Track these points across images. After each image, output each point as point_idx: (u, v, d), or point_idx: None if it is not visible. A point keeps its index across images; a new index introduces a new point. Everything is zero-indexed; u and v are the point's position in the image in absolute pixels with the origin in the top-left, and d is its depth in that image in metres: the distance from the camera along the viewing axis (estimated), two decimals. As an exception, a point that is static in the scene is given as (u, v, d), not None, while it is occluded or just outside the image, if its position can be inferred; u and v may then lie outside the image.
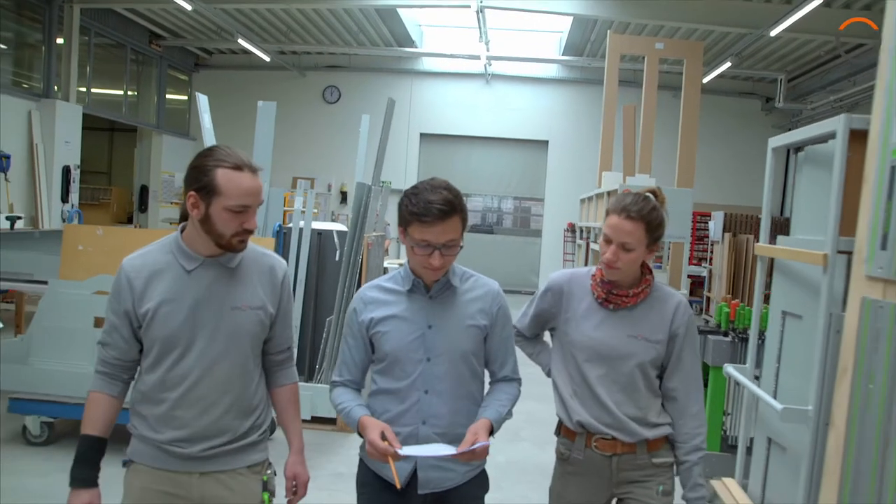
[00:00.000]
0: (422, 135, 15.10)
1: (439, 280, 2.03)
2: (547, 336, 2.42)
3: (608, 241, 2.10)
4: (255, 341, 2.00)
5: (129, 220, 14.55)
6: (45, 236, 7.24)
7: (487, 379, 2.18)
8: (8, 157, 9.69)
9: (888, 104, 1.80)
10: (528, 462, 4.83)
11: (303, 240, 5.45)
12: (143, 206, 14.57)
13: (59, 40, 11.16)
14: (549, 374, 2.34)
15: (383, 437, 1.89)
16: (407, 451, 1.90)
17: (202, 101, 5.46)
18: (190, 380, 1.90)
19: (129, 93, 13.64)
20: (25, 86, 10.89)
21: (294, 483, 2.09)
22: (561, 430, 2.27)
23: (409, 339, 2.02)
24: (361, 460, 2.11)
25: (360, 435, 1.97)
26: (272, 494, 2.04)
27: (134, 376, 2.00)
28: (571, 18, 11.40)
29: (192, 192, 1.85)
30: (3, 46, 10.43)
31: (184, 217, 1.95)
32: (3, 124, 9.97)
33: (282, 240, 5.50)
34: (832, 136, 2.38)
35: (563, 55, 13.81)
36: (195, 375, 1.90)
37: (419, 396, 2.01)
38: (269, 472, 2.05)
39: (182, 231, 1.95)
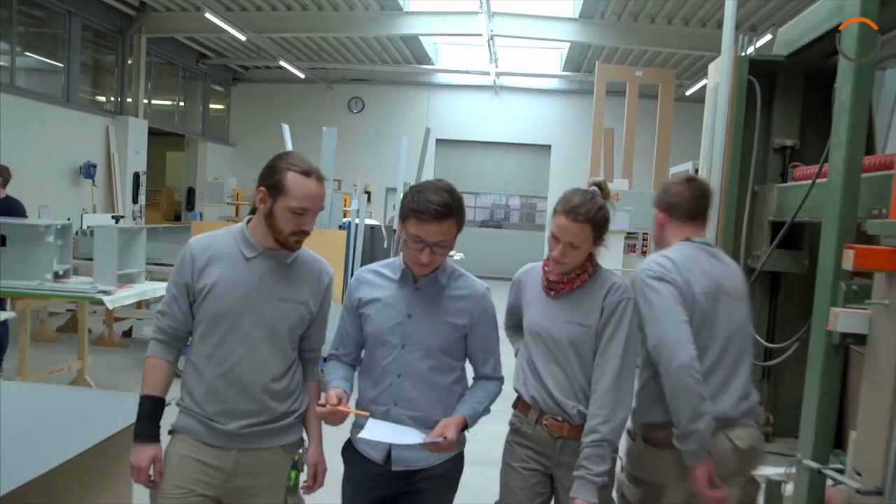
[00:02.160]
0: (437, 140, 16.85)
1: (427, 275, 2.13)
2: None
3: (557, 240, 2.17)
4: (294, 332, 2.13)
5: (178, 218, 16.36)
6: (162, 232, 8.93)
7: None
8: (94, 166, 11.51)
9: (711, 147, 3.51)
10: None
11: (359, 232, 7.23)
12: (189, 206, 16.39)
13: (128, 60, 12.98)
14: (516, 355, 2.45)
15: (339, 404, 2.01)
16: (375, 432, 2.05)
17: (285, 129, 7.20)
18: (233, 358, 2.03)
19: (180, 104, 15.49)
20: (103, 104, 12.72)
21: (314, 471, 2.22)
22: (519, 403, 2.34)
23: (389, 324, 2.14)
24: (349, 437, 2.25)
25: None
26: (300, 472, 2.18)
27: (184, 345, 2.16)
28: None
29: (262, 188, 2.01)
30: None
31: (253, 210, 2.10)
32: (87, 138, 11.81)
33: (348, 231, 7.29)
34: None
35: (563, 70, 15.54)
36: (238, 355, 2.03)
37: (392, 380, 2.14)
38: (300, 451, 2.17)
39: (248, 223, 2.10)
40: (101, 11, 12.02)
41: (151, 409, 2.05)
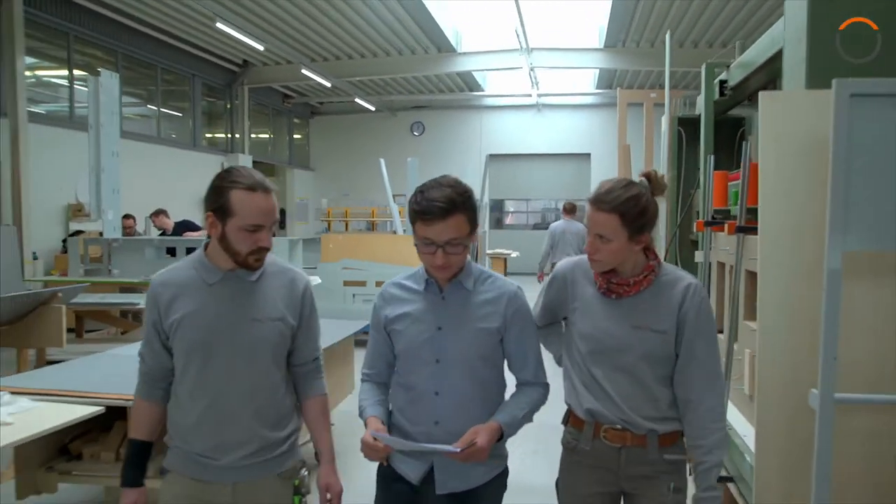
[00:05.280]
0: (490, 155, 19.28)
1: (452, 281, 1.99)
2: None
3: (589, 232, 1.97)
4: (276, 352, 2.01)
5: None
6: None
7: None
8: (217, 196, 14.33)
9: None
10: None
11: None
12: (281, 224, 19.21)
13: (234, 106, 15.84)
14: (559, 363, 2.21)
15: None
16: (399, 444, 1.93)
17: (382, 164, 9.73)
18: (215, 389, 1.94)
19: (269, 136, 18.35)
20: (217, 143, 15.59)
21: (328, 493, 2.08)
22: (569, 418, 2.10)
23: (419, 339, 1.98)
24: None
25: None
26: (304, 496, 2.04)
27: (171, 384, 2.03)
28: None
29: (209, 213, 1.90)
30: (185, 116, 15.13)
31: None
32: (204, 173, 14.60)
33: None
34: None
35: (596, 88, 17.83)
36: (219, 385, 1.93)
37: (430, 398, 1.98)
38: (300, 474, 2.05)
39: (206, 248, 2.00)
40: (214, 70, 14.92)
41: (137, 452, 2.00)
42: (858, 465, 2.28)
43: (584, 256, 2.06)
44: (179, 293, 1.97)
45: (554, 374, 2.12)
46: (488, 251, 13.80)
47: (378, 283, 8.59)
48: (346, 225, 19.31)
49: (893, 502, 2.29)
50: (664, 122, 5.81)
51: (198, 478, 1.97)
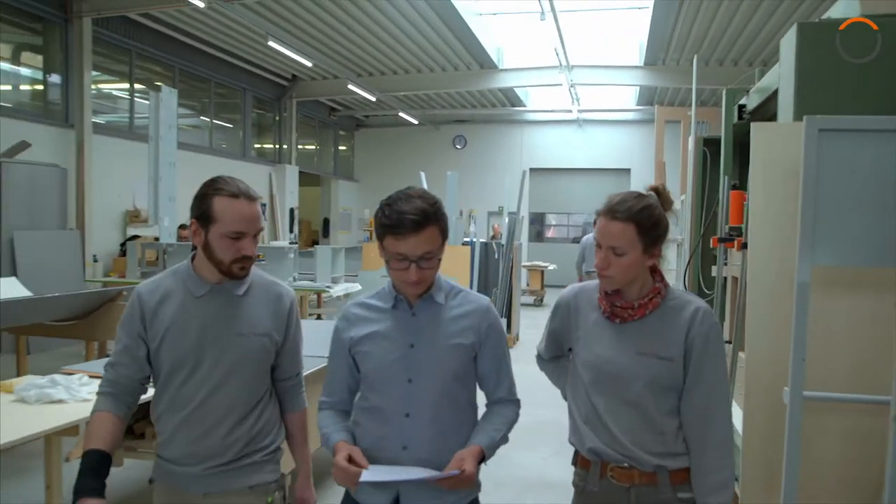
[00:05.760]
0: (531, 169, 19.53)
1: (423, 296, 1.89)
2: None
3: (599, 247, 1.87)
4: (260, 367, 2.00)
5: (314, 244, 19.74)
6: (306, 253, 12.13)
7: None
8: (264, 204, 14.93)
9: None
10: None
11: (477, 247, 10.04)
12: (325, 233, 19.77)
13: (282, 117, 16.46)
14: (566, 398, 2.10)
15: (350, 460, 1.76)
16: (379, 472, 1.77)
17: (423, 178, 10.09)
18: (195, 401, 1.92)
19: (315, 148, 18.95)
20: (266, 154, 16.21)
21: None
22: (577, 459, 2.00)
23: (390, 358, 1.86)
24: (346, 490, 1.93)
25: None
26: None
27: (136, 401, 2.00)
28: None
29: (193, 220, 1.90)
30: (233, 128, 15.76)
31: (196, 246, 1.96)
32: (256, 182, 15.25)
33: (472, 247, 10.12)
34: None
35: (637, 105, 18.00)
36: (200, 397, 1.92)
37: (399, 420, 1.85)
38: (275, 494, 2.01)
39: (193, 259, 1.97)
40: (265, 84, 15.55)
41: (96, 462, 1.83)
42: (836, 463, 2.53)
43: (588, 283, 2.05)
44: (165, 304, 1.95)
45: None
46: (525, 263, 14.09)
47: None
48: (388, 235, 19.73)
49: (869, 499, 2.54)
50: (690, 141, 6.05)
51: (176, 486, 1.97)
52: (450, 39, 13.12)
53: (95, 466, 1.84)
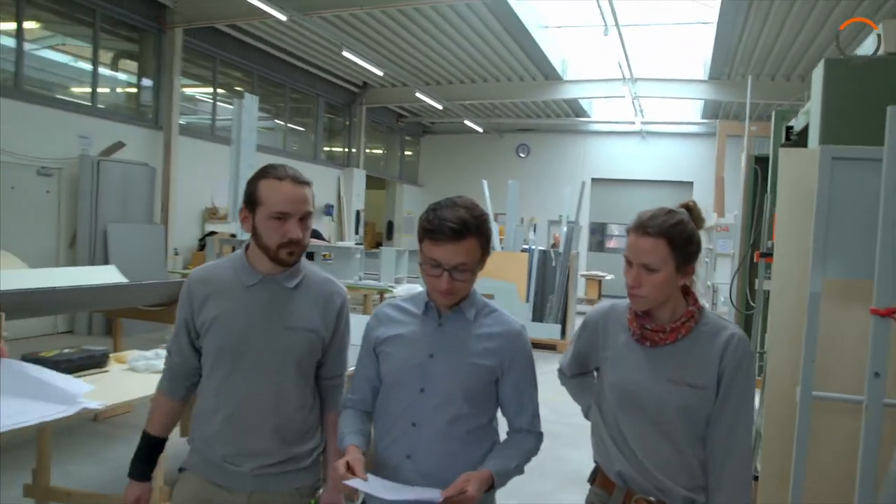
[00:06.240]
0: (593, 179, 19.71)
1: (453, 308, 1.86)
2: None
3: (630, 264, 1.80)
4: (306, 363, 1.96)
5: (378, 245, 20.34)
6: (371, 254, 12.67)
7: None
8: (332, 207, 15.57)
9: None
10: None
11: (535, 254, 10.37)
12: (388, 235, 20.35)
13: (352, 122, 17.11)
14: (587, 417, 2.07)
15: (349, 468, 1.68)
16: (376, 486, 1.70)
17: (485, 185, 10.51)
18: (239, 396, 1.89)
19: (382, 152, 19.57)
20: (335, 158, 16.89)
21: None
22: (597, 478, 1.93)
23: (408, 364, 1.84)
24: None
25: None
26: None
27: (196, 384, 2.00)
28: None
29: (243, 207, 1.90)
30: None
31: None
32: (324, 185, 15.92)
33: (530, 254, 10.45)
34: None
35: (702, 118, 18.00)
36: (244, 392, 1.89)
37: (406, 428, 1.83)
38: (318, 494, 2.00)
39: (247, 249, 1.95)
40: (336, 91, 16.23)
41: (149, 447, 1.97)
42: (847, 461, 2.80)
43: (618, 302, 1.96)
44: (216, 292, 1.93)
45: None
46: (583, 272, 14.32)
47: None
48: (449, 239, 20.19)
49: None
50: (742, 158, 6.29)
51: (215, 481, 1.92)
52: (515, 51, 13.48)
53: (147, 450, 1.99)
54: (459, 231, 1.73)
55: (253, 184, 1.90)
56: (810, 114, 3.24)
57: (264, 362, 1.91)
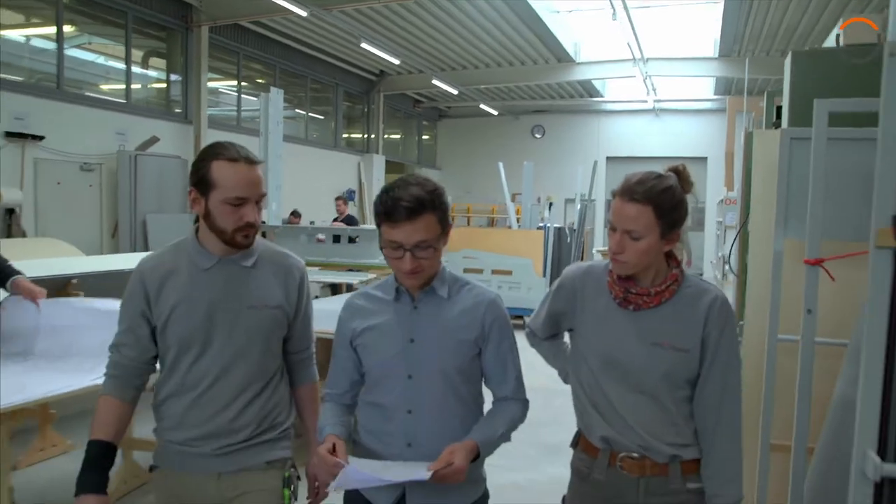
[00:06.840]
0: (608, 158, 20.03)
1: (424, 289, 1.81)
2: (566, 336, 2.08)
3: (613, 230, 1.77)
4: (273, 340, 1.94)
5: (399, 229, 20.89)
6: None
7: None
8: (353, 192, 16.10)
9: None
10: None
11: (550, 232, 10.82)
12: (409, 219, 20.82)
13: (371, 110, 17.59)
14: (565, 381, 2.06)
15: (333, 452, 1.68)
16: (362, 472, 1.67)
17: (501, 168, 10.95)
18: (208, 379, 1.85)
19: (400, 137, 20.03)
20: (355, 144, 17.39)
21: (316, 483, 2.02)
22: (579, 442, 1.94)
23: (389, 353, 1.80)
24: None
25: None
26: (293, 493, 1.93)
27: (145, 383, 1.92)
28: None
29: (192, 188, 1.80)
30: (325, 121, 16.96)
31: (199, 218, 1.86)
32: (347, 170, 16.45)
33: (545, 232, 10.89)
34: None
35: (714, 94, 18.24)
36: (213, 375, 1.85)
37: (402, 417, 1.80)
38: (291, 469, 1.95)
39: (196, 232, 1.88)
40: (355, 80, 16.71)
41: (99, 455, 1.77)
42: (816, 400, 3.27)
43: (595, 262, 1.96)
44: (169, 280, 1.86)
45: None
46: (598, 248, 14.78)
47: (494, 272, 9.87)
48: (469, 220, 20.69)
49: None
50: (741, 136, 6.70)
51: (184, 470, 1.88)
52: (528, 36, 13.85)
53: (98, 460, 1.79)
54: (414, 209, 1.68)
55: (204, 164, 1.80)
56: (784, 99, 3.67)
57: (231, 345, 1.87)
